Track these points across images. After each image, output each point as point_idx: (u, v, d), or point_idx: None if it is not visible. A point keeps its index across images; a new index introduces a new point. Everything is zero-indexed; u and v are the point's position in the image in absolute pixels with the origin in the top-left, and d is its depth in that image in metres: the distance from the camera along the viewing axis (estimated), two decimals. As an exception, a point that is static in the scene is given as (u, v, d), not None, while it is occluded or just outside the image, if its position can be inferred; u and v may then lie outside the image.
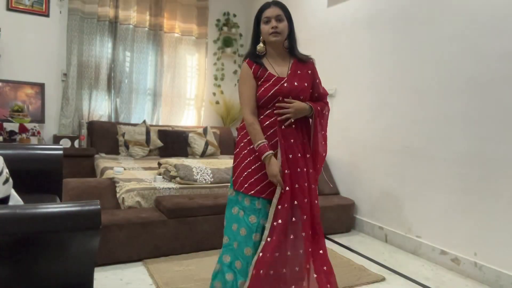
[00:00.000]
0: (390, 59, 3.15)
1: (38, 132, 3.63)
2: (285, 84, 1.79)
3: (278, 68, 1.84)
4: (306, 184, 1.80)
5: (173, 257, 2.50)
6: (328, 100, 2.01)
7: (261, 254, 1.69)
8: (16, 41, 3.93)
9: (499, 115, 2.40)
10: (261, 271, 1.68)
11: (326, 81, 3.79)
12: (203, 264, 2.43)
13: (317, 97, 1.94)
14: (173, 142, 4.28)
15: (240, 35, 5.34)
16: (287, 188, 1.73)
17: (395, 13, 3.11)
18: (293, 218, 1.76)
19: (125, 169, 3.23)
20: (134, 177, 2.94)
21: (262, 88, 1.80)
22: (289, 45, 1.89)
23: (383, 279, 2.41)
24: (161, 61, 4.71)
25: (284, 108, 1.77)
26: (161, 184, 2.83)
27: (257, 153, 1.76)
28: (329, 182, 3.57)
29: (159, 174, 3.09)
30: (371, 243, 3.12)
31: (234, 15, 5.27)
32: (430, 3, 2.84)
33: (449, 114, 2.69)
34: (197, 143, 4.35)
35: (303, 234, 1.78)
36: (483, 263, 2.45)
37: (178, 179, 2.88)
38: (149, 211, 2.57)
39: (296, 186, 1.77)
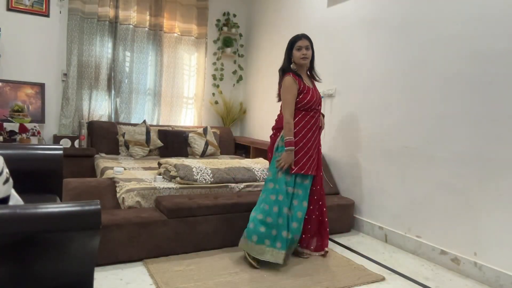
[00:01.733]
0: (390, 59, 3.15)
1: (38, 132, 3.64)
2: (320, 96, 2.65)
3: (307, 82, 2.59)
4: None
5: (173, 257, 2.50)
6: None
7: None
8: (16, 41, 3.93)
9: (499, 115, 2.40)
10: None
11: (326, 81, 3.81)
12: (203, 264, 2.43)
13: None
14: (173, 142, 4.28)
15: (240, 35, 5.34)
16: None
17: (395, 13, 3.11)
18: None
19: (125, 169, 3.23)
20: (134, 177, 2.94)
21: (308, 96, 2.52)
22: (310, 67, 2.67)
23: (383, 279, 2.41)
24: (161, 61, 4.71)
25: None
26: (161, 184, 2.83)
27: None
28: (329, 182, 3.57)
29: (159, 174, 3.09)
30: (371, 243, 3.12)
31: (234, 15, 5.27)
32: (430, 3, 2.84)
33: (449, 114, 2.69)
34: (197, 143, 4.35)
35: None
36: (483, 263, 2.45)
37: (178, 179, 2.88)
38: (149, 211, 2.57)
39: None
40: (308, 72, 2.69)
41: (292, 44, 2.54)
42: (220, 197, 2.81)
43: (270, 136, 2.71)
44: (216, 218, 2.66)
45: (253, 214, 2.51)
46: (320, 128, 2.68)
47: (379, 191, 3.23)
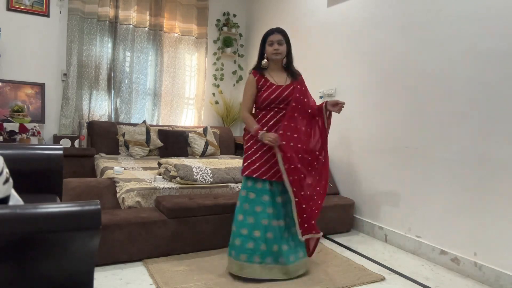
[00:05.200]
0: (390, 59, 3.15)
1: (38, 132, 3.63)
2: (297, 95, 2.39)
3: (277, 79, 2.43)
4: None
5: (173, 257, 2.50)
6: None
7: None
8: (16, 41, 3.93)
9: (499, 115, 2.40)
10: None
11: (326, 81, 3.81)
12: (203, 264, 2.43)
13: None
14: (173, 142, 4.28)
15: (240, 35, 5.34)
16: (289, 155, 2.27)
17: (395, 13, 3.11)
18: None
19: (125, 169, 3.23)
20: (134, 177, 2.94)
21: (266, 93, 2.37)
22: (286, 62, 2.48)
23: (383, 279, 2.41)
24: (161, 61, 4.71)
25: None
26: (161, 184, 2.83)
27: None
28: (329, 182, 3.57)
29: (159, 174, 3.09)
30: (371, 243, 3.12)
31: (234, 15, 5.27)
32: (430, 2, 2.84)
33: (449, 114, 2.69)
34: (197, 143, 4.35)
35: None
36: (483, 263, 2.45)
37: (178, 179, 2.88)
38: (149, 211, 2.57)
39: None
40: (287, 68, 2.48)
41: (264, 39, 2.42)
42: (220, 197, 2.81)
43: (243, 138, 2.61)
44: (216, 218, 2.66)
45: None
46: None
47: (379, 191, 3.23)
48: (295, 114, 2.36)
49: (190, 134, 4.40)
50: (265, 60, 2.43)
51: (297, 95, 2.38)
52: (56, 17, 4.12)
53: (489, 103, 2.45)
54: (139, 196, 2.67)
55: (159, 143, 4.22)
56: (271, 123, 2.37)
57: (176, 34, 4.84)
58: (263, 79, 2.40)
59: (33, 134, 3.59)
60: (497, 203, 2.40)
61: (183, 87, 4.96)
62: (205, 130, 4.56)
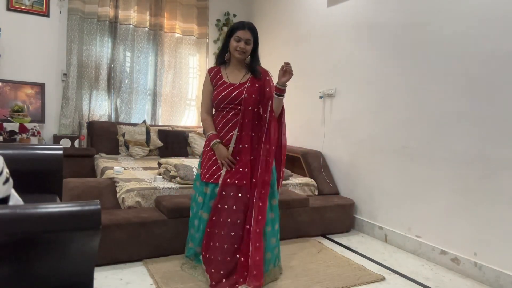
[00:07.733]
0: (389, 58, 3.15)
1: (38, 132, 3.63)
2: (246, 95, 2.16)
3: (232, 77, 2.24)
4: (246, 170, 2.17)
5: (173, 257, 2.50)
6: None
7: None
8: (16, 41, 3.93)
9: (499, 115, 2.40)
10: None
11: (326, 81, 3.81)
12: (203, 264, 2.42)
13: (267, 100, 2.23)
14: (173, 142, 4.28)
15: (240, 35, 5.33)
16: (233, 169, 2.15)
17: (396, 13, 3.11)
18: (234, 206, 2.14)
19: (125, 169, 3.23)
20: (134, 177, 2.94)
21: (217, 92, 2.22)
22: (250, 62, 2.26)
23: (383, 279, 2.41)
24: (161, 61, 4.71)
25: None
26: (161, 184, 2.83)
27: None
28: (329, 182, 3.57)
29: (159, 174, 3.09)
30: (371, 243, 3.13)
31: (234, 15, 5.26)
32: (430, 3, 2.84)
33: (449, 114, 2.69)
34: (197, 143, 4.35)
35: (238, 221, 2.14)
36: (483, 263, 2.45)
37: (178, 179, 2.88)
38: (149, 211, 2.57)
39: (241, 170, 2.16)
40: (249, 68, 2.27)
41: (231, 31, 2.19)
42: (220, 197, 2.80)
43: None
44: (216, 218, 2.65)
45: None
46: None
47: (379, 191, 3.23)
48: (246, 120, 2.18)
49: (190, 134, 4.40)
50: (228, 53, 2.25)
51: (246, 95, 2.16)
52: (56, 17, 4.12)
53: (489, 103, 2.45)
54: (139, 196, 2.67)
55: (159, 143, 4.23)
56: (221, 124, 2.21)
57: (176, 34, 4.84)
58: (218, 76, 2.25)
59: (33, 134, 3.59)
60: (497, 203, 2.40)
61: (184, 87, 4.95)
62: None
